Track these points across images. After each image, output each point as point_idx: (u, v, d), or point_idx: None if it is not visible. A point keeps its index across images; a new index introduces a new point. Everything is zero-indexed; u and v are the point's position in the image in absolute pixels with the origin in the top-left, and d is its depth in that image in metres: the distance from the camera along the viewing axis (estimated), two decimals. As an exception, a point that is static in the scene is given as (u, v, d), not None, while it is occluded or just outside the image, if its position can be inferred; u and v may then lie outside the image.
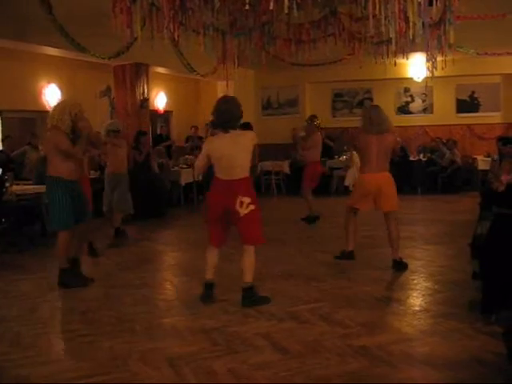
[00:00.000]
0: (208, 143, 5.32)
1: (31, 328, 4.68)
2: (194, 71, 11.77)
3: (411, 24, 5.94)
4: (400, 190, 12.68)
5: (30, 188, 8.38)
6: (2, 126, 10.47)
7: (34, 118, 11.12)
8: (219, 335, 4.37)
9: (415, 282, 5.84)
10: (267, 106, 15.75)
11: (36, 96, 10.61)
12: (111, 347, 4.18)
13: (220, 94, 14.43)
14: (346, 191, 13.09)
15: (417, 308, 5.03)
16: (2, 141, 9.66)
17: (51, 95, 10.83)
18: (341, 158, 13.92)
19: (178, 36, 6.65)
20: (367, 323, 4.55)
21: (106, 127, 8.33)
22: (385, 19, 6.11)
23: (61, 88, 10.96)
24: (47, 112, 10.92)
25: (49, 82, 10.80)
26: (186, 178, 12.12)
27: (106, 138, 8.13)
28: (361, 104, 15.34)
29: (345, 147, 13.83)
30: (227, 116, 5.03)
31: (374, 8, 5.77)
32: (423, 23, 6.04)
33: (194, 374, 3.67)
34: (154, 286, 6.05)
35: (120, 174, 8.18)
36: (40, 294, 5.78)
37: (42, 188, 8.36)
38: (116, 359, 3.96)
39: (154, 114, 13.18)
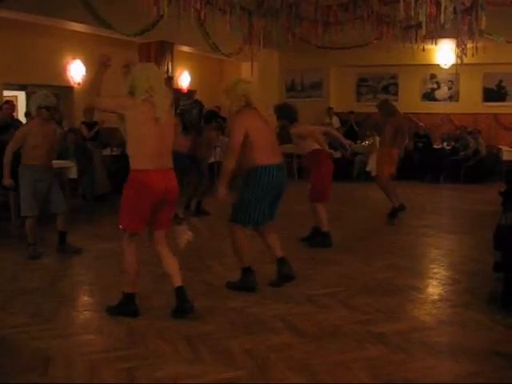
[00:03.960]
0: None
1: (51, 301, 4.73)
2: (219, 51, 11.73)
3: (442, 8, 5.83)
4: (422, 178, 12.84)
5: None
6: (27, 101, 10.53)
7: (58, 94, 11.15)
8: (237, 316, 4.37)
9: (435, 270, 5.79)
10: (291, 89, 15.63)
11: (61, 72, 10.65)
12: (129, 323, 4.21)
13: (244, 75, 14.48)
14: (367, 177, 12.98)
15: (436, 297, 4.99)
16: (25, 116, 9.71)
17: (76, 71, 10.85)
18: (363, 144, 13.80)
19: (205, 15, 6.62)
20: (386, 310, 4.52)
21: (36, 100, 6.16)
22: (415, 3, 6.02)
23: (85, 64, 10.98)
24: (71, 88, 11.03)
25: (74, 58, 10.83)
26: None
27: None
28: (386, 89, 15.19)
29: (367, 132, 13.70)
30: None
31: (405, -9, 5.68)
32: (455, 8, 5.93)
33: (210, 353, 3.68)
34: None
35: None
36: (60, 268, 5.85)
37: (62, 163, 8.45)
38: (133, 335, 3.99)
39: (178, 92, 13.15)
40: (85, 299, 5.04)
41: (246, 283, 4.99)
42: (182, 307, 4.28)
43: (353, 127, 14.42)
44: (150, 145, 4.10)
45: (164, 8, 6.01)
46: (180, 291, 4.29)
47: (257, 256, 5.56)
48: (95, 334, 4.08)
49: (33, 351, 3.75)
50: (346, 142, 7.86)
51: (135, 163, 4.16)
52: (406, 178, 13.00)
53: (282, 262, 5.14)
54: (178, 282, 4.31)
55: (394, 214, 8.30)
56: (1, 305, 4.64)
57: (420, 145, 13.73)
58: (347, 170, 12.82)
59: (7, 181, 6.07)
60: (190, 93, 13.94)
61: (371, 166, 13.15)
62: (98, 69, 4.29)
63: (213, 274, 5.59)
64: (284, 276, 5.14)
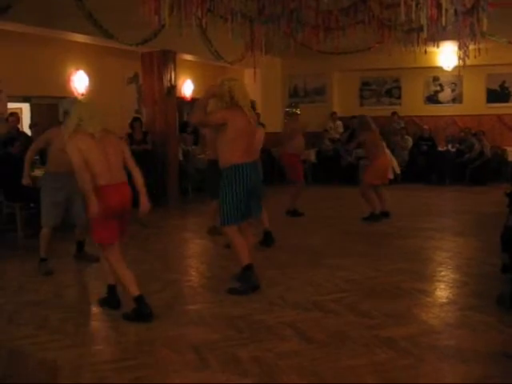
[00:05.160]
0: None
1: (58, 312, 4.73)
2: (222, 58, 11.74)
3: (443, 11, 5.82)
4: (428, 181, 12.81)
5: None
6: (31, 113, 10.56)
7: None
8: (244, 323, 4.36)
9: (443, 273, 5.76)
10: (294, 94, 15.64)
11: (64, 82, 10.67)
12: (137, 332, 4.20)
13: (247, 82, 14.49)
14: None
15: (444, 300, 4.97)
16: (30, 128, 9.73)
17: (79, 82, 10.88)
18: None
19: (206, 23, 6.63)
20: (394, 314, 4.50)
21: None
22: (416, 6, 6.01)
23: (89, 74, 11.01)
24: (75, 98, 11.04)
25: (77, 69, 10.85)
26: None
27: None
28: (389, 93, 15.18)
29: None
30: None
31: (406, -6, 5.68)
32: (456, 10, 5.92)
33: (218, 361, 3.67)
34: (180, 273, 6.07)
35: None
36: (67, 279, 5.86)
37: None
38: (141, 344, 3.99)
39: (181, 101, 13.18)
40: (92, 309, 5.03)
41: (248, 281, 5.08)
42: (141, 312, 4.42)
43: (355, 132, 14.40)
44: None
45: (165, 17, 6.02)
46: (140, 299, 4.43)
47: (262, 262, 5.55)
48: (103, 345, 4.09)
49: (41, 362, 3.75)
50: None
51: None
52: (411, 180, 13.02)
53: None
54: (136, 290, 4.45)
55: (370, 218, 8.63)
56: (8, 316, 4.65)
57: (425, 148, 13.71)
58: (352, 174, 12.79)
59: (26, 180, 5.97)
60: (193, 101, 13.96)
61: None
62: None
63: (218, 279, 5.58)
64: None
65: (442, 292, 5.23)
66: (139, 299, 4.43)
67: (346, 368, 3.55)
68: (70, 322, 4.53)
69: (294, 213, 9.10)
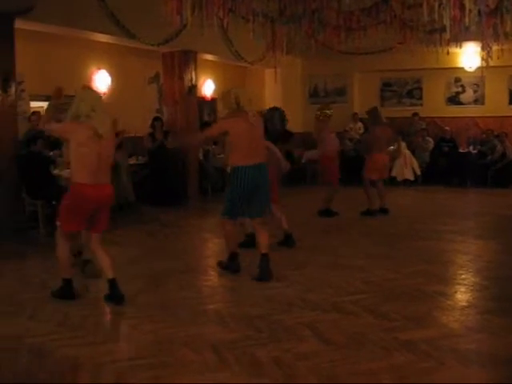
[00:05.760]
0: None
1: (78, 309, 4.77)
2: (242, 58, 11.77)
3: (467, 11, 5.77)
4: (449, 183, 12.70)
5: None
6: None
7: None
8: (263, 323, 4.36)
9: (463, 276, 5.71)
10: (314, 95, 15.61)
11: (86, 82, 10.76)
12: (156, 331, 4.23)
13: (267, 82, 14.50)
14: (392, 182, 12.91)
15: (464, 303, 4.92)
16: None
17: (101, 81, 10.98)
18: (388, 149, 13.66)
19: (228, 23, 6.65)
20: (413, 317, 4.47)
21: None
22: (439, 6, 5.97)
23: (111, 74, 11.10)
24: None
25: (99, 68, 10.94)
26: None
27: None
28: (410, 94, 15.08)
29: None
30: None
31: (429, -6, 5.64)
32: (479, 10, 5.86)
33: (237, 361, 3.68)
34: (199, 272, 6.10)
35: None
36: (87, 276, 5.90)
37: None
38: (160, 343, 4.01)
39: (201, 101, 13.22)
40: (111, 307, 5.07)
41: (232, 266, 5.79)
42: (113, 295, 4.90)
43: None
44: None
45: (187, 17, 6.05)
46: (112, 282, 4.91)
47: (280, 261, 5.55)
48: (122, 342, 4.12)
49: (61, 359, 3.79)
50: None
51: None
52: (432, 182, 12.92)
53: (263, 257, 5.60)
54: (110, 274, 4.92)
55: (367, 213, 9.04)
56: (30, 313, 4.71)
57: (446, 149, 13.59)
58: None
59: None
60: (214, 101, 14.00)
61: (396, 171, 13.09)
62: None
63: (236, 279, 5.59)
64: (261, 272, 5.56)
65: (463, 295, 5.18)
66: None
67: (365, 370, 3.53)
68: (91, 319, 4.57)
69: (326, 212, 9.08)
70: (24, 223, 7.95)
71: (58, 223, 4.94)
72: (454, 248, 7.02)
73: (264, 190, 5.59)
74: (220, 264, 5.96)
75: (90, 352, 3.88)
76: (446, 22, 6.17)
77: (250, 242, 6.59)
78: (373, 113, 9.45)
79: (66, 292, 5.02)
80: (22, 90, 8.86)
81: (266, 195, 5.66)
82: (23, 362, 3.75)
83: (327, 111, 8.95)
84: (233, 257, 5.83)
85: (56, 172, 8.23)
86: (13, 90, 7.80)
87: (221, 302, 5.03)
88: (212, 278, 5.90)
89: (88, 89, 5.85)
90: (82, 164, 4.71)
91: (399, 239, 7.50)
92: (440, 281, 5.52)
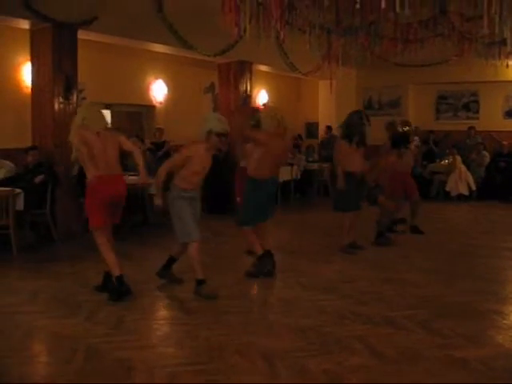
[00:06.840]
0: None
1: (132, 313, 4.88)
2: (297, 69, 11.82)
3: (529, 24, 5.66)
4: (506, 199, 12.36)
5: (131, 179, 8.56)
6: (111, 119, 10.94)
7: (141, 112, 11.56)
8: (314, 334, 4.36)
9: (520, 295, 5.57)
10: (368, 106, 15.49)
11: (144, 91, 11.02)
12: (208, 338, 4.28)
13: (321, 93, 14.50)
14: (446, 197, 12.68)
15: (521, 323, 4.79)
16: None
17: (158, 90, 11.22)
18: (443, 162, 13.47)
19: (284, 35, 6.71)
20: (467, 335, 4.38)
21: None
22: (499, 18, 5.87)
23: (167, 84, 11.33)
24: (153, 107, 11.40)
25: (156, 78, 11.19)
26: (283, 175, 12.15)
27: None
28: (466, 107, 14.78)
29: (447, 151, 13.39)
30: None
31: (490, 6, 5.54)
32: (542, 23, 5.74)
33: (287, 371, 3.69)
34: (251, 282, 6.12)
35: None
36: (142, 281, 6.00)
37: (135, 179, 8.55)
38: (213, 350, 4.05)
39: (256, 111, 13.32)
40: (164, 312, 5.16)
41: (263, 267, 5.99)
42: (120, 290, 5.15)
43: (431, 147, 14.13)
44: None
45: (246, 28, 6.14)
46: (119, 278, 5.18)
47: (333, 275, 5.52)
48: (175, 347, 4.18)
49: (116, 361, 3.88)
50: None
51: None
52: (488, 198, 12.60)
53: (267, 254, 6.04)
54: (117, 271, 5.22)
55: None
56: (87, 315, 4.84)
57: (503, 164, 13.24)
58: (426, 189, 12.49)
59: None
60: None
61: (450, 186, 12.84)
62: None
63: (289, 290, 5.60)
64: (267, 269, 5.96)
65: (520, 314, 5.05)
66: (119, 278, 5.19)
67: (418, 386, 3.49)
68: (144, 323, 4.67)
69: (414, 229, 8.77)
70: (82, 226, 8.15)
71: (91, 229, 5.32)
72: (510, 265, 6.84)
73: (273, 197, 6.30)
74: (249, 273, 6.07)
75: (144, 355, 3.96)
76: (507, 35, 6.06)
77: None
78: (390, 127, 8.26)
79: (120, 289, 5.18)
80: (83, 98, 9.13)
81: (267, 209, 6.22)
82: (79, 362, 3.86)
83: (408, 128, 8.26)
84: (262, 257, 6.03)
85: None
86: (74, 97, 8.06)
87: (272, 312, 5.05)
88: (262, 287, 5.93)
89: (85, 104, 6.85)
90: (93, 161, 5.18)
91: (454, 255, 7.36)
92: (496, 299, 5.39)
